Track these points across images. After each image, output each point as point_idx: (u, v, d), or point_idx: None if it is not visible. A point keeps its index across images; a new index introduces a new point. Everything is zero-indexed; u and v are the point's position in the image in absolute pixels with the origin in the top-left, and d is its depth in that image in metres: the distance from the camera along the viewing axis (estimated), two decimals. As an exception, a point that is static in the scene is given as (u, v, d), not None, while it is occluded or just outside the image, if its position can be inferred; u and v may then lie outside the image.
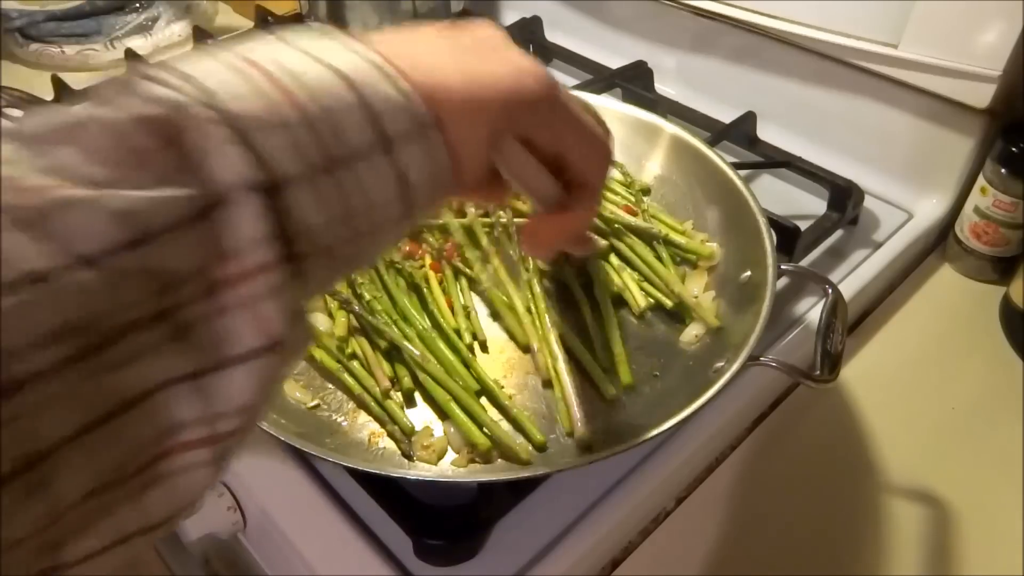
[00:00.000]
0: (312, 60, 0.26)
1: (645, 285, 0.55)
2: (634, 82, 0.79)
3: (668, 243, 0.57)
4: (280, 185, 0.23)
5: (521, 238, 0.39)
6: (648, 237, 0.57)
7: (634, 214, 0.59)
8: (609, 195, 0.61)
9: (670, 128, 0.62)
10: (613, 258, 0.57)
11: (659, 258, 0.56)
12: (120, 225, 0.20)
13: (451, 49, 0.31)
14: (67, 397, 0.20)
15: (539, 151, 0.33)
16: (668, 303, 0.54)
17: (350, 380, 0.49)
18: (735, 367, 0.43)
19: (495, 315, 0.54)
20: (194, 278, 0.22)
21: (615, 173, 0.63)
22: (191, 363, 0.22)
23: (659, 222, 0.58)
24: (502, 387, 0.49)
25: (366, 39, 0.28)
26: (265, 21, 0.97)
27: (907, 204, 0.69)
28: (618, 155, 0.64)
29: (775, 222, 0.59)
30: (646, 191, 0.63)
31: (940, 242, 0.69)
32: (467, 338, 0.52)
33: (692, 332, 0.52)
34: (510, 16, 0.95)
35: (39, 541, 0.20)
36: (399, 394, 0.49)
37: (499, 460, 0.46)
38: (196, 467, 0.23)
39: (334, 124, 0.25)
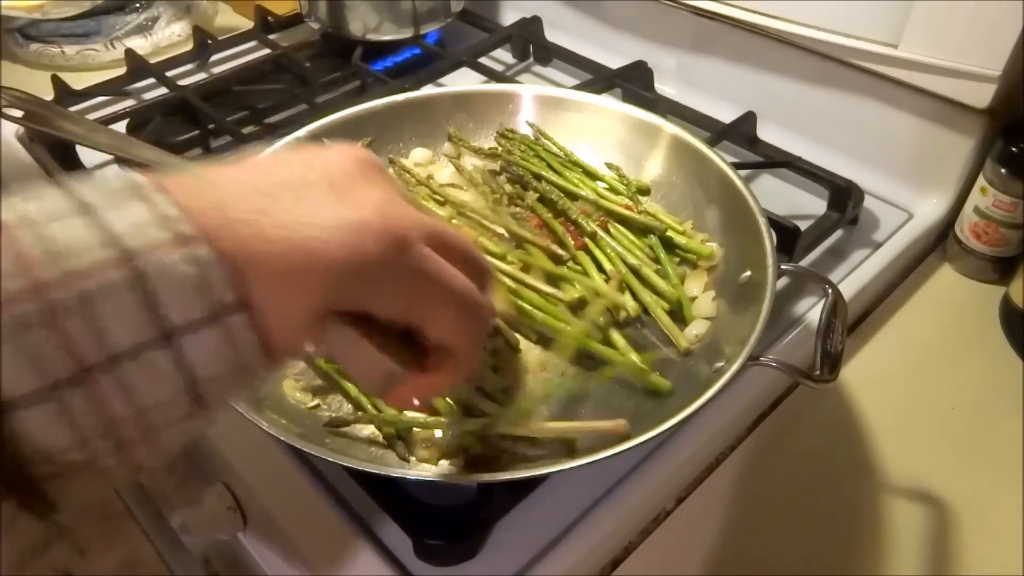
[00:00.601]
0: (84, 220, 0.21)
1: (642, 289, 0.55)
2: (634, 82, 0.79)
3: (668, 243, 0.57)
4: (5, 406, 0.19)
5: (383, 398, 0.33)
6: (647, 230, 0.57)
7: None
8: (609, 195, 0.61)
9: (670, 128, 0.62)
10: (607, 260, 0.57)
11: (657, 259, 0.56)
12: None
13: (286, 190, 0.25)
14: None
15: (382, 322, 0.28)
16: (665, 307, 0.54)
17: (348, 384, 0.49)
18: (735, 367, 0.43)
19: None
20: None
21: (610, 175, 0.63)
22: None
23: (659, 222, 0.58)
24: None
25: (182, 183, 0.23)
26: (265, 21, 0.97)
27: (907, 204, 0.69)
28: (618, 155, 0.65)
29: (775, 222, 0.59)
30: (645, 191, 0.63)
31: (940, 242, 0.69)
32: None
33: (692, 332, 0.52)
34: (510, 16, 0.95)
35: None
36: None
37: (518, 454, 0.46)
38: None
39: (91, 319, 0.20)
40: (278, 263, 0.24)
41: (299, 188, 0.25)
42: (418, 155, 0.67)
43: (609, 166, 0.63)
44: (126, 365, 0.21)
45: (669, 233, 0.57)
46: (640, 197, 0.61)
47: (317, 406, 0.49)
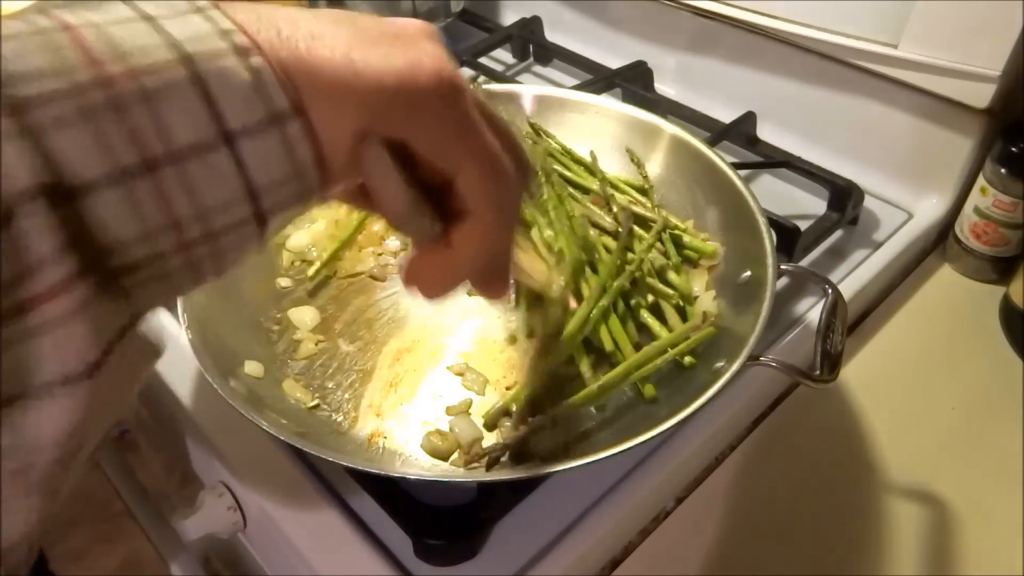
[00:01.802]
0: (146, 25, 0.22)
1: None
2: (634, 82, 0.79)
3: (672, 239, 0.57)
4: (74, 192, 0.20)
5: (402, 274, 0.32)
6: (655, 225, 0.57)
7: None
8: (617, 195, 0.61)
9: (670, 128, 0.62)
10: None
11: (665, 254, 0.56)
12: None
13: (347, 31, 0.26)
14: None
15: (419, 161, 0.28)
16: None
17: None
18: (735, 367, 0.43)
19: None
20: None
21: (616, 170, 0.63)
22: None
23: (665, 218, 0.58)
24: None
25: (241, 7, 0.24)
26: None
27: (907, 204, 0.69)
28: (618, 155, 0.65)
29: (775, 222, 0.59)
30: (642, 191, 0.63)
31: (940, 242, 0.69)
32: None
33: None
34: (510, 16, 0.95)
35: None
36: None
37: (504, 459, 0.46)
38: (12, 501, 0.20)
39: (156, 113, 0.21)
40: (330, 77, 0.24)
41: (361, 33, 0.26)
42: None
43: (629, 151, 0.63)
44: (188, 162, 0.21)
45: (675, 231, 0.57)
46: (640, 197, 0.61)
47: (317, 406, 0.49)
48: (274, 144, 0.23)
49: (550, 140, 0.66)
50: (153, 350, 0.24)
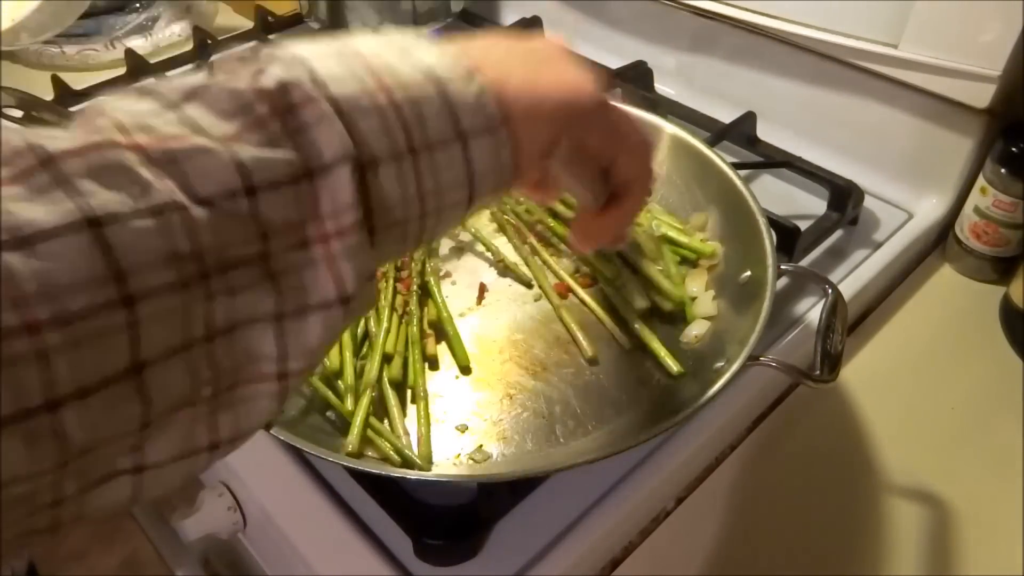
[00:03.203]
0: (405, 55, 0.29)
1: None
2: (634, 82, 0.79)
3: (670, 241, 0.57)
4: (370, 162, 0.27)
5: (571, 234, 0.42)
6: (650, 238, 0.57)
7: None
8: None
9: (670, 128, 0.62)
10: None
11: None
12: (237, 174, 0.23)
13: (517, 57, 0.33)
14: (171, 316, 0.22)
15: (589, 156, 0.36)
16: (666, 306, 0.54)
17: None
18: (735, 367, 0.43)
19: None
20: (291, 231, 0.25)
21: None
22: (278, 305, 0.25)
23: (661, 221, 0.58)
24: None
25: (451, 43, 0.31)
26: (265, 21, 0.97)
27: (907, 204, 0.69)
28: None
29: (775, 222, 0.59)
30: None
31: (940, 242, 0.69)
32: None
33: (692, 332, 0.52)
34: (510, 16, 0.95)
35: (128, 442, 0.23)
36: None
37: (499, 458, 0.46)
38: (263, 398, 0.26)
39: (419, 114, 0.28)
40: (527, 98, 0.31)
41: (526, 57, 0.33)
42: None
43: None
44: (437, 152, 0.28)
45: (672, 233, 0.57)
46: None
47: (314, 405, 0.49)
48: (489, 144, 0.30)
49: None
50: (374, 296, 0.32)
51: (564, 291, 0.56)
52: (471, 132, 0.29)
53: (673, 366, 0.50)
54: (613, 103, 0.36)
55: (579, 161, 0.36)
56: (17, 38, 0.90)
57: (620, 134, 0.36)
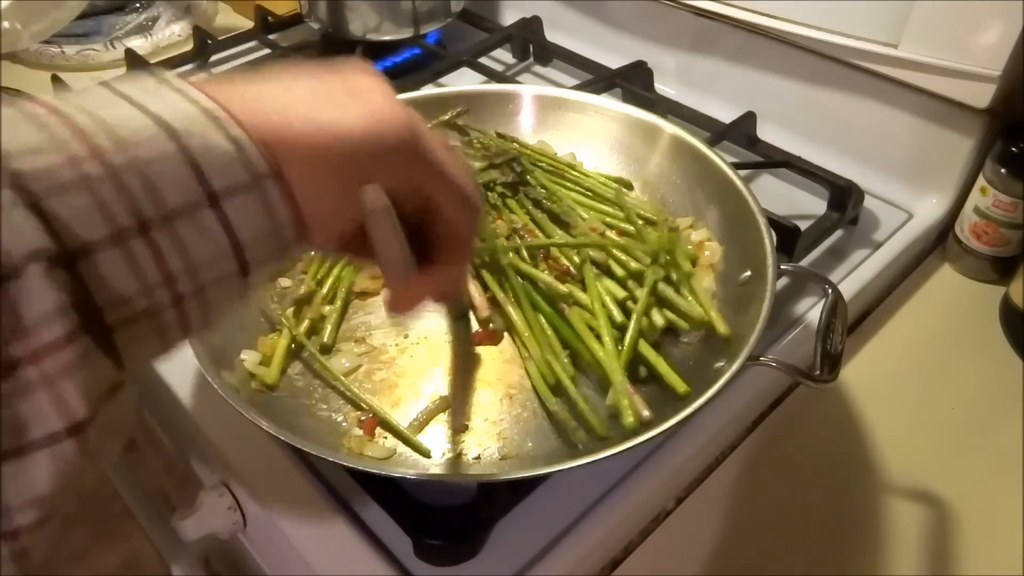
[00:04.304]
0: (131, 107, 0.24)
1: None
2: (634, 82, 0.79)
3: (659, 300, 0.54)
4: (80, 251, 0.22)
5: (384, 296, 0.37)
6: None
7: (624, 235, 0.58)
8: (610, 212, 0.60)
9: (670, 128, 0.62)
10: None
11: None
12: None
13: (307, 94, 0.29)
14: None
15: (402, 205, 0.32)
16: (685, 325, 0.53)
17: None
18: (735, 367, 0.43)
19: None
20: None
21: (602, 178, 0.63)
22: None
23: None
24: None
25: (204, 83, 0.27)
26: (265, 21, 0.97)
27: (907, 204, 0.69)
28: (618, 155, 0.65)
29: (775, 222, 0.59)
30: (627, 185, 0.63)
31: (940, 242, 0.69)
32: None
33: (692, 332, 0.52)
34: (510, 16, 0.95)
35: None
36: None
37: (499, 458, 0.46)
38: None
39: (147, 180, 0.23)
40: (306, 143, 0.27)
41: (319, 93, 0.29)
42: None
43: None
44: (179, 223, 0.24)
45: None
46: (624, 191, 0.61)
47: (317, 405, 0.49)
48: (255, 204, 0.25)
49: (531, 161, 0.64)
50: (131, 412, 0.25)
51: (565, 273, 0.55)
52: (224, 192, 0.24)
53: (679, 386, 0.47)
54: (426, 139, 0.31)
55: (384, 220, 0.31)
56: (17, 38, 0.90)
57: (435, 175, 0.32)
